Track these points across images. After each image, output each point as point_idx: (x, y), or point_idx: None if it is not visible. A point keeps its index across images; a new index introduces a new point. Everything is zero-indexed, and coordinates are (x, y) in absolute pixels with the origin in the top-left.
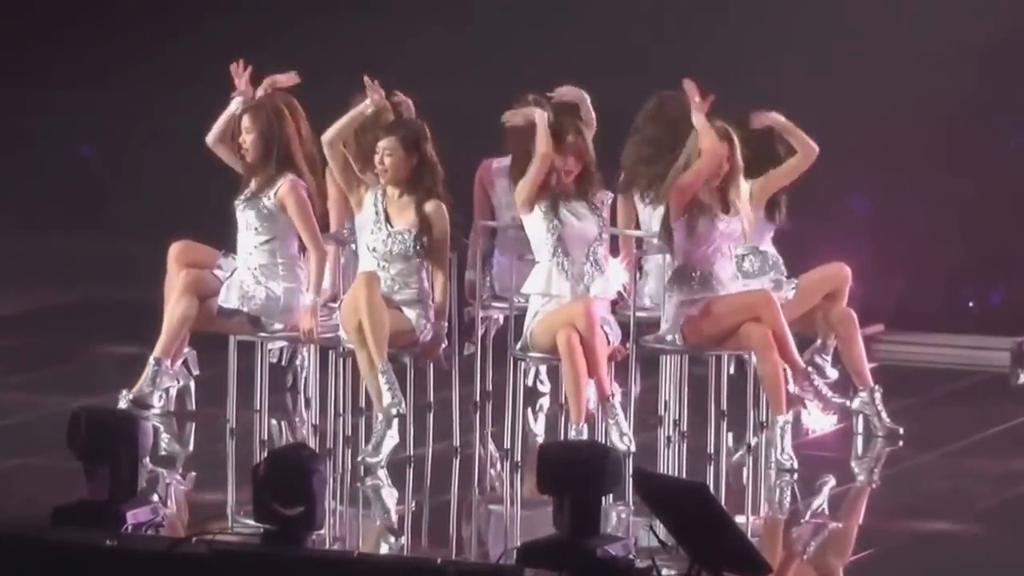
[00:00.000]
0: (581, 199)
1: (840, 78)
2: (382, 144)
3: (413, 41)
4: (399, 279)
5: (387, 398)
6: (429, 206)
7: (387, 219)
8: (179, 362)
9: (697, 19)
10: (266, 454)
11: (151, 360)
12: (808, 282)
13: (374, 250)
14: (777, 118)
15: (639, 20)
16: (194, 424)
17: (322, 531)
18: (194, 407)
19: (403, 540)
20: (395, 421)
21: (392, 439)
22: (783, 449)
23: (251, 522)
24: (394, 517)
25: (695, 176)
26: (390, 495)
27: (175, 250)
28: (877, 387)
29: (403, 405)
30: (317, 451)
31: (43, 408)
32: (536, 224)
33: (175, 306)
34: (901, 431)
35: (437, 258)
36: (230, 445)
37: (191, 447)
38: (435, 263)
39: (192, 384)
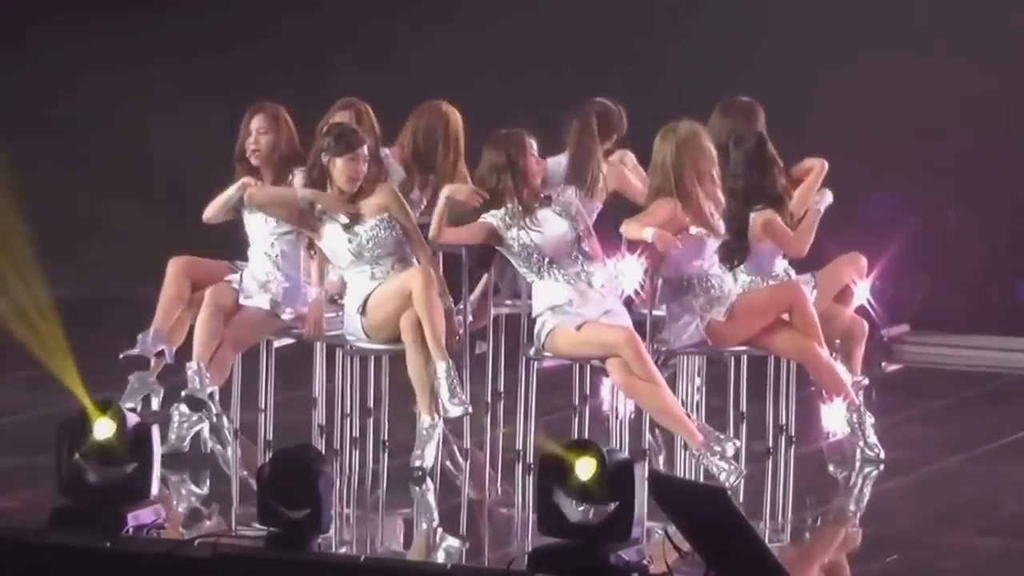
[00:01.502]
0: (544, 207)
1: (870, 73)
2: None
3: (419, 38)
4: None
5: (447, 395)
6: (378, 191)
7: (354, 219)
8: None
9: (723, 12)
10: (271, 455)
11: (192, 366)
12: (826, 275)
13: (359, 255)
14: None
15: (659, 17)
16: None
17: (328, 534)
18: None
19: (418, 545)
20: (441, 423)
21: (436, 442)
22: (866, 440)
23: (255, 524)
24: (402, 521)
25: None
26: (436, 500)
27: (179, 267)
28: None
29: (469, 404)
30: (323, 452)
31: (43, 407)
32: (513, 253)
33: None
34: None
35: (415, 238)
36: (234, 445)
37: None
38: (415, 243)
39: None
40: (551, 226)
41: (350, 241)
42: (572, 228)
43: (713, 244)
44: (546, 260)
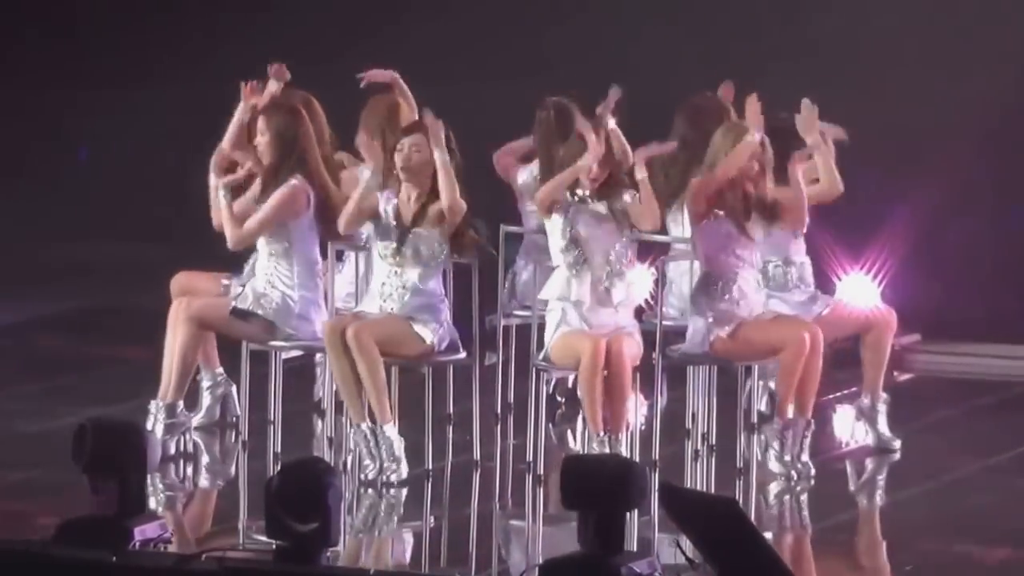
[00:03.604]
0: (603, 202)
1: (879, 75)
2: (409, 141)
3: (421, 39)
4: (412, 286)
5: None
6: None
7: (410, 221)
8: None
9: (729, 15)
10: (280, 467)
11: (160, 406)
12: (846, 315)
13: (385, 257)
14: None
15: (663, 15)
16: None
17: (337, 547)
18: (239, 413)
19: (428, 557)
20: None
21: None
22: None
23: (263, 538)
24: (411, 533)
25: (707, 181)
26: (412, 510)
27: (176, 284)
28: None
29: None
30: (332, 464)
31: (50, 419)
32: (554, 229)
33: (173, 339)
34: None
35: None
36: (242, 458)
37: (202, 459)
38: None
39: (234, 389)
40: (603, 223)
41: (395, 233)
42: (620, 232)
43: (748, 254)
44: (581, 252)
